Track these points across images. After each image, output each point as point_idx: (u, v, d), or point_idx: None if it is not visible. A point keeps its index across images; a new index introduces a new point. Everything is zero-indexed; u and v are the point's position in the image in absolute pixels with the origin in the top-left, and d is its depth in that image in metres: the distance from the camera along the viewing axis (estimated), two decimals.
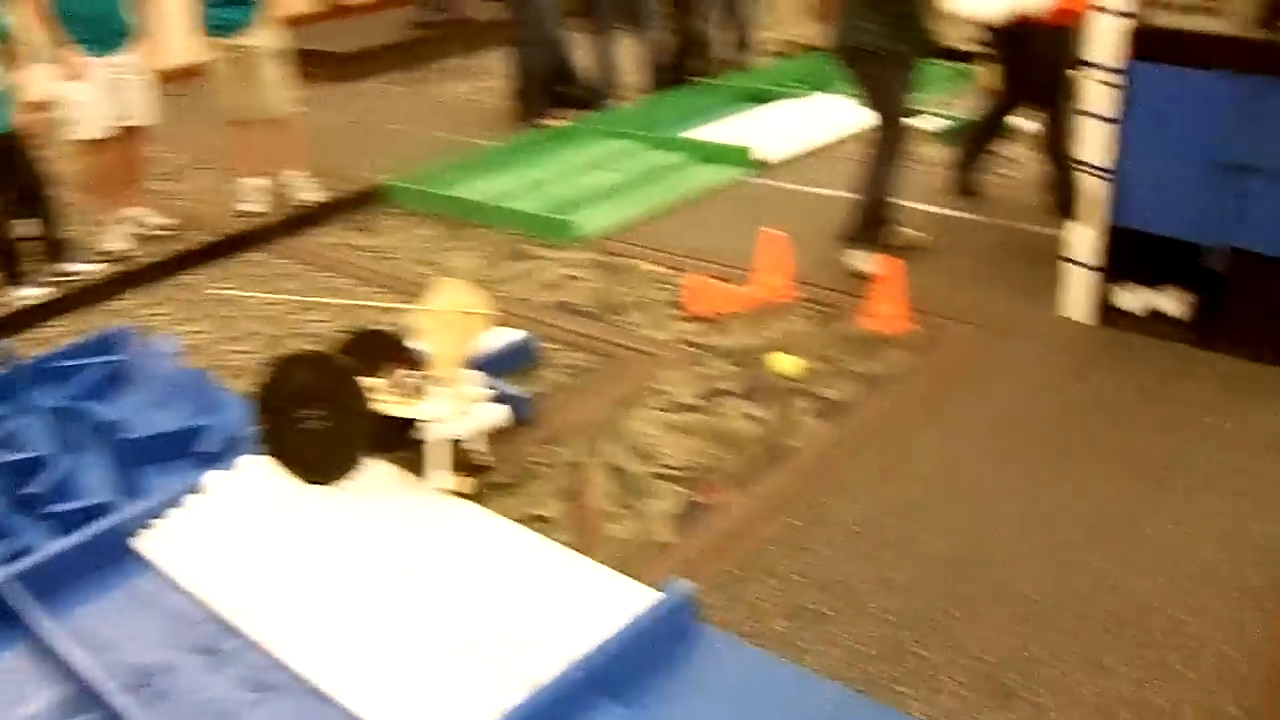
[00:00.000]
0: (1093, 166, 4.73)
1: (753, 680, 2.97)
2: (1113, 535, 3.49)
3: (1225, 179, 4.47)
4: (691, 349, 4.72)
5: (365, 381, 3.72)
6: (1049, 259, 5.04)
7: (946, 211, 6.20)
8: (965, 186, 6.40)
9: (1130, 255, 4.83)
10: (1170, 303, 4.86)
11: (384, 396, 3.75)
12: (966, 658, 3.02)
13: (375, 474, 3.79)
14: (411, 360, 3.88)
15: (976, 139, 6.37)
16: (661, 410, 4.25)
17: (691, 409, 4.26)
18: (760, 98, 8.65)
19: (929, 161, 6.67)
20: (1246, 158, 4.40)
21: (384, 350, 3.92)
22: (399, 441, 3.77)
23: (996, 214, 6.14)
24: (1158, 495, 3.69)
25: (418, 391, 3.74)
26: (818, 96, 8.40)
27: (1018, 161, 6.55)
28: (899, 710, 2.85)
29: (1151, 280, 4.88)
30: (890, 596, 3.24)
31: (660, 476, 3.84)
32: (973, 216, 6.15)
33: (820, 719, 2.83)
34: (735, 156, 7.15)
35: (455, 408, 3.72)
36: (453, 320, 3.83)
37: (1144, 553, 3.42)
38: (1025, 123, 6.30)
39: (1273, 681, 2.94)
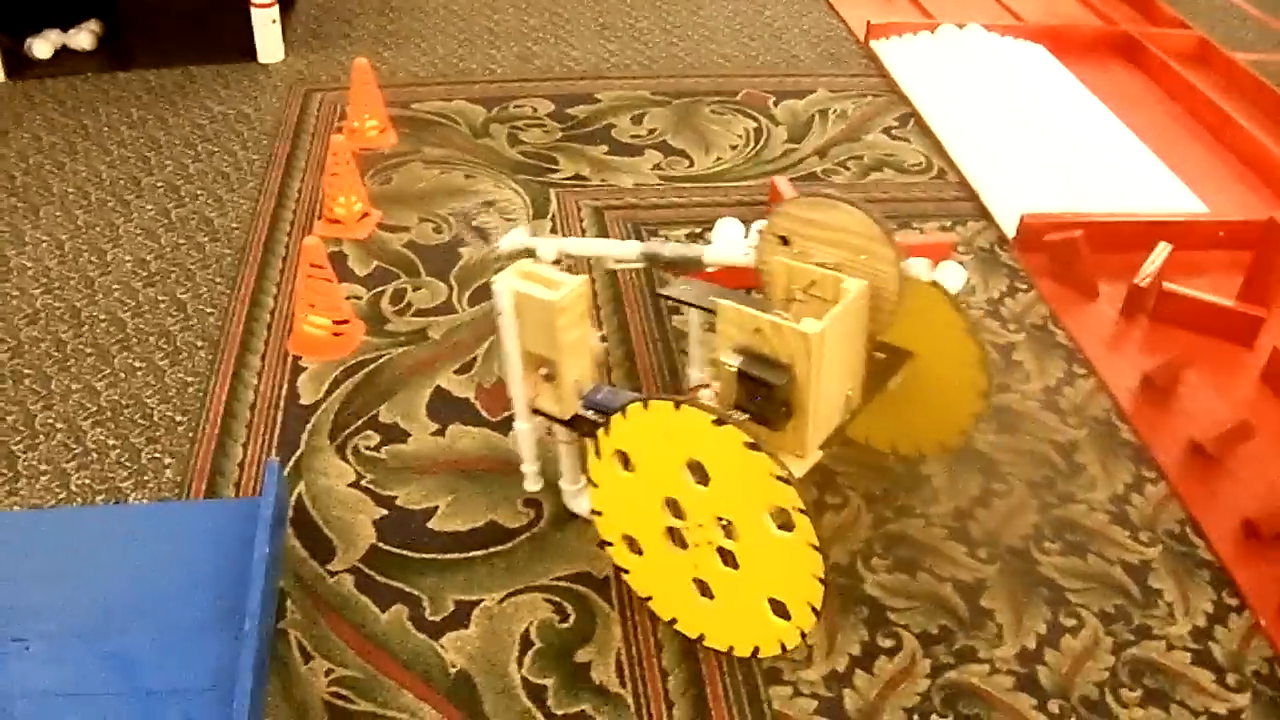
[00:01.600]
0: None
1: None
2: (63, 271, 3.45)
3: None
4: None
5: None
6: None
7: None
8: None
9: (32, 2, 4.63)
10: (79, 38, 4.78)
11: None
12: None
13: None
14: None
15: None
16: None
17: None
18: None
19: None
20: None
21: None
22: None
23: None
24: (106, 220, 3.70)
25: None
26: None
27: None
28: None
29: (61, 23, 4.76)
30: None
31: None
32: None
33: None
34: None
35: None
36: None
37: (94, 279, 3.43)
38: None
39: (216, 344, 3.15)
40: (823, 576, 1.98)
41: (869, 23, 5.15)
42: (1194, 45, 5.25)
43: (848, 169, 4.10)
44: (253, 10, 4.59)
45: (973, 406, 2.52)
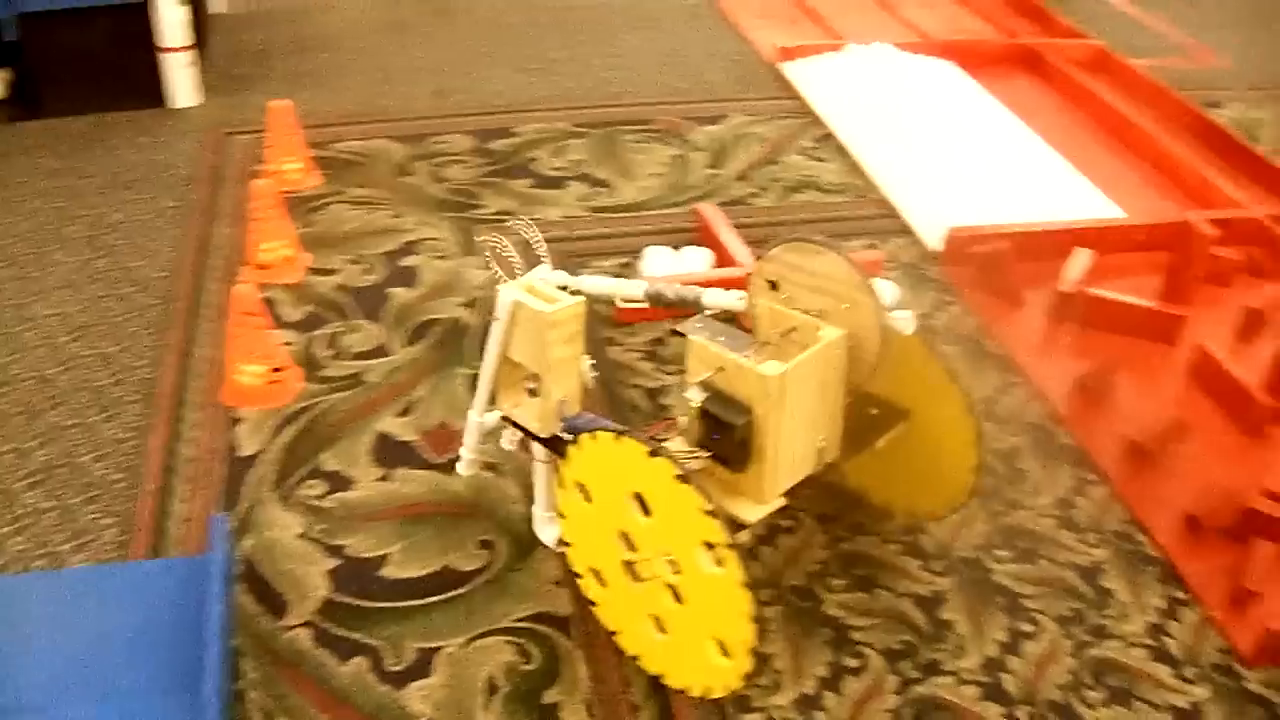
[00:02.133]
0: None
1: None
2: None
3: None
4: None
5: None
6: None
7: None
8: None
9: None
10: None
11: None
12: None
13: None
14: None
15: None
16: None
17: None
18: None
19: None
20: None
21: None
22: None
23: None
24: (24, 274, 3.61)
25: None
26: None
27: None
28: None
29: None
30: None
31: None
32: None
33: None
34: None
35: None
36: None
37: (17, 335, 3.33)
38: None
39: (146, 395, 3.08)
40: (755, 616, 1.96)
41: (778, 46, 5.21)
42: (1093, 54, 5.39)
43: (770, 191, 4.13)
44: (167, 55, 4.51)
45: (967, 467, 2.49)
